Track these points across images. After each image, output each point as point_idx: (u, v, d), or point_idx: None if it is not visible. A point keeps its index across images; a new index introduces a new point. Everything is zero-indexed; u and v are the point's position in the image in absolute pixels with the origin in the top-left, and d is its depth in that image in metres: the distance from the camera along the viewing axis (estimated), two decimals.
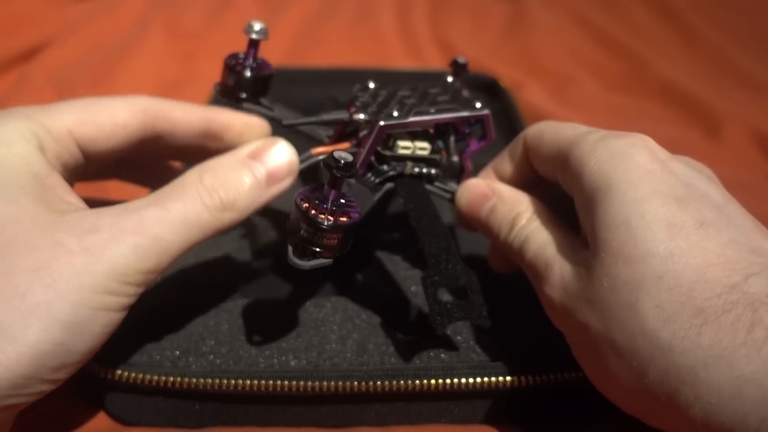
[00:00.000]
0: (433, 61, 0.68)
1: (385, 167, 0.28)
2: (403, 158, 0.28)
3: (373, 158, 0.28)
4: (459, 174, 0.31)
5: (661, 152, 0.23)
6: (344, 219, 0.21)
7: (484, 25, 0.76)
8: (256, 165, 0.25)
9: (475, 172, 0.31)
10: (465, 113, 0.28)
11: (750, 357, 0.18)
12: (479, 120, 0.29)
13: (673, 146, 0.55)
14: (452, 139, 0.29)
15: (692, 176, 0.23)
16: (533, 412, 0.27)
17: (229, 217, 0.24)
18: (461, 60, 0.30)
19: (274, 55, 0.66)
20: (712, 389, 0.18)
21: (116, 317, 0.21)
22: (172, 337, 0.28)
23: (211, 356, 0.27)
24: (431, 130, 0.29)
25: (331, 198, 0.21)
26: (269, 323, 0.29)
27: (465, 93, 0.30)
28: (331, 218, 0.21)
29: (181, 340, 0.28)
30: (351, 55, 0.67)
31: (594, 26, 0.74)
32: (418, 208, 0.27)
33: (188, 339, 0.28)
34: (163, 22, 0.69)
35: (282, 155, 0.25)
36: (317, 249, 0.21)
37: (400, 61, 0.67)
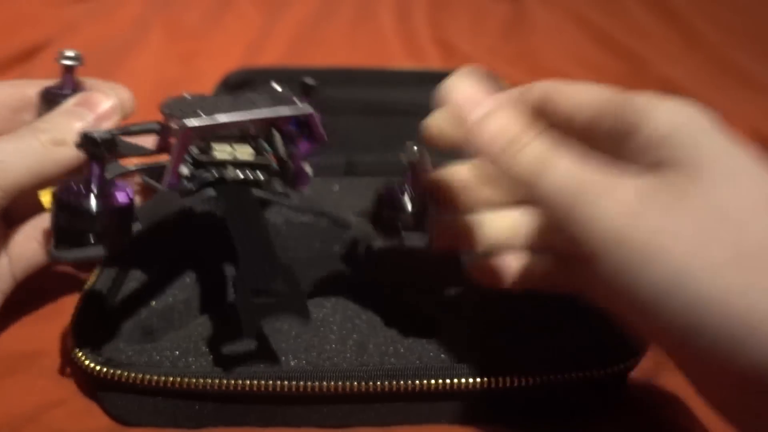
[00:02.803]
0: (433, 61, 0.68)
1: (202, 172, 0.26)
2: (223, 163, 0.26)
3: (192, 167, 0.26)
4: (294, 180, 0.28)
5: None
6: (110, 202, 0.21)
7: (484, 25, 0.76)
8: (83, 111, 0.27)
9: None
10: (284, 112, 0.26)
11: None
12: (306, 121, 0.27)
13: None
14: (278, 141, 0.27)
15: None
16: (534, 412, 0.27)
17: (63, 152, 0.26)
18: (309, 81, 0.28)
19: (274, 55, 0.66)
20: None
21: None
22: (172, 337, 0.28)
23: (211, 356, 0.27)
24: (253, 133, 0.27)
25: (93, 180, 0.21)
26: (269, 323, 0.29)
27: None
28: (96, 201, 0.20)
29: (180, 340, 0.27)
30: (351, 55, 0.67)
31: (594, 26, 0.74)
32: (235, 211, 0.25)
33: (188, 339, 0.28)
34: (163, 22, 0.69)
35: (102, 99, 0.28)
36: (85, 236, 0.21)
37: (400, 61, 0.67)
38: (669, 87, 0.60)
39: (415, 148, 0.26)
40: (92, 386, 0.28)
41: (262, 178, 0.27)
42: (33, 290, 0.33)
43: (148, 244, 0.34)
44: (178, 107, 0.25)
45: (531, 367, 0.26)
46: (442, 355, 0.27)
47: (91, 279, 0.30)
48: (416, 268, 0.33)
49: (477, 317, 0.29)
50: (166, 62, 0.62)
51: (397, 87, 0.55)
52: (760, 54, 0.67)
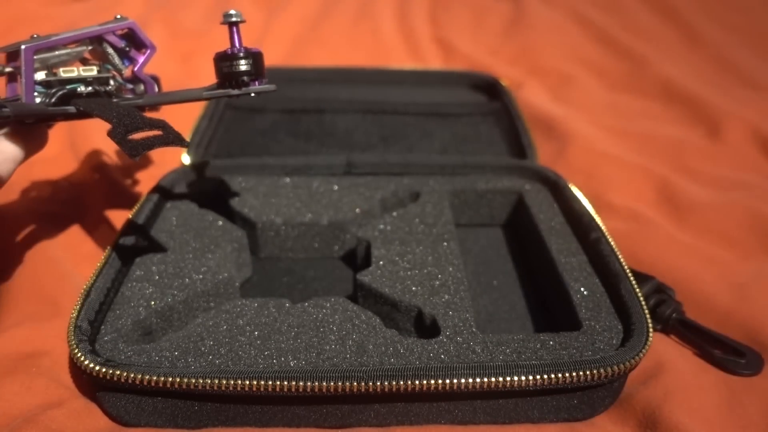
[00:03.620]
0: (433, 60, 0.68)
1: (54, 90, 0.29)
2: (71, 81, 0.29)
3: (44, 88, 0.29)
4: (144, 88, 0.32)
5: None
6: None
7: (484, 25, 0.76)
8: None
9: None
10: (108, 26, 0.29)
11: None
12: (130, 33, 0.30)
13: (674, 146, 0.55)
14: (114, 56, 0.30)
15: None
16: (533, 412, 0.27)
17: None
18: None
19: (275, 54, 0.66)
20: None
21: None
22: (171, 337, 0.28)
23: (210, 356, 0.27)
24: (91, 57, 0.30)
25: None
26: (269, 324, 0.29)
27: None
28: None
29: (180, 340, 0.27)
30: (351, 55, 0.67)
31: (594, 26, 0.74)
32: (95, 103, 0.28)
33: (187, 339, 0.28)
34: (162, 22, 0.69)
35: None
36: None
37: (400, 60, 0.67)
38: (670, 86, 0.60)
39: None
40: (92, 386, 0.28)
41: (109, 88, 0.31)
42: (32, 290, 0.33)
43: (147, 242, 0.34)
44: (20, 43, 0.28)
45: (531, 367, 0.26)
46: (442, 356, 0.27)
47: (91, 279, 0.30)
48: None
49: (479, 317, 0.29)
50: (166, 61, 0.62)
51: (397, 87, 0.55)
52: (760, 54, 0.67)
